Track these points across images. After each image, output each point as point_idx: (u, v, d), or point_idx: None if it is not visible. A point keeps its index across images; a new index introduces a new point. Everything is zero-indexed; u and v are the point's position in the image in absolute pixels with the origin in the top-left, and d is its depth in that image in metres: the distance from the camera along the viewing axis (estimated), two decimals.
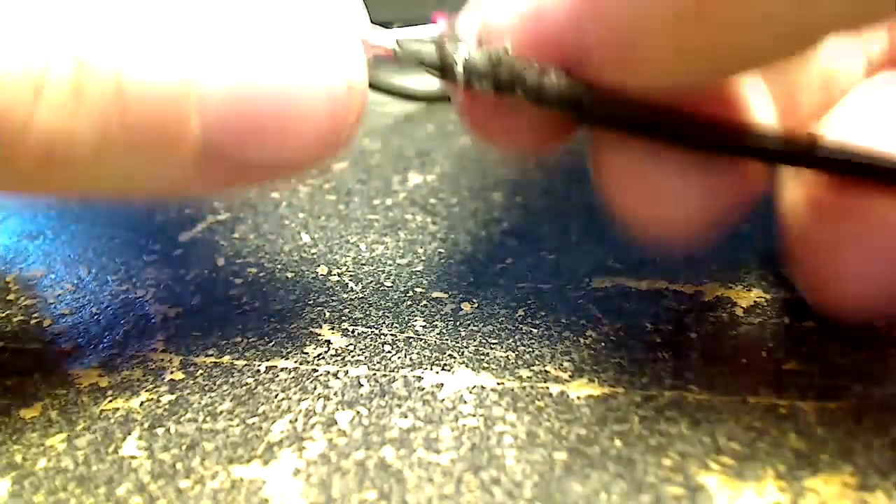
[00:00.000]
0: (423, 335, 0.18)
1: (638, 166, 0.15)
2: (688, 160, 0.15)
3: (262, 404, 0.15)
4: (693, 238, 0.16)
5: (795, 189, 0.16)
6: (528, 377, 0.16)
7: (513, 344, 0.17)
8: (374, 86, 0.37)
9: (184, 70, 0.13)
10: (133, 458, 0.14)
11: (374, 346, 0.17)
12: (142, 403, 0.16)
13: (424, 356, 0.17)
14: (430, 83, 0.42)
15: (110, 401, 0.16)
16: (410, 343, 0.17)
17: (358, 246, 0.22)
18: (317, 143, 0.15)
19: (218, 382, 0.16)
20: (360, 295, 0.20)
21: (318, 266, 0.21)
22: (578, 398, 0.15)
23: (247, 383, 0.16)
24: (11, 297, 0.20)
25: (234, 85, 0.14)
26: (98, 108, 0.13)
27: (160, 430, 0.15)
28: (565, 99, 0.15)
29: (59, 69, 0.13)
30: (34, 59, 0.12)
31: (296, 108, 0.14)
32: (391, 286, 0.20)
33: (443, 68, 0.15)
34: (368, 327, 0.18)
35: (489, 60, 0.15)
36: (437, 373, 0.16)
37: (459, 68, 0.15)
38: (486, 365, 0.17)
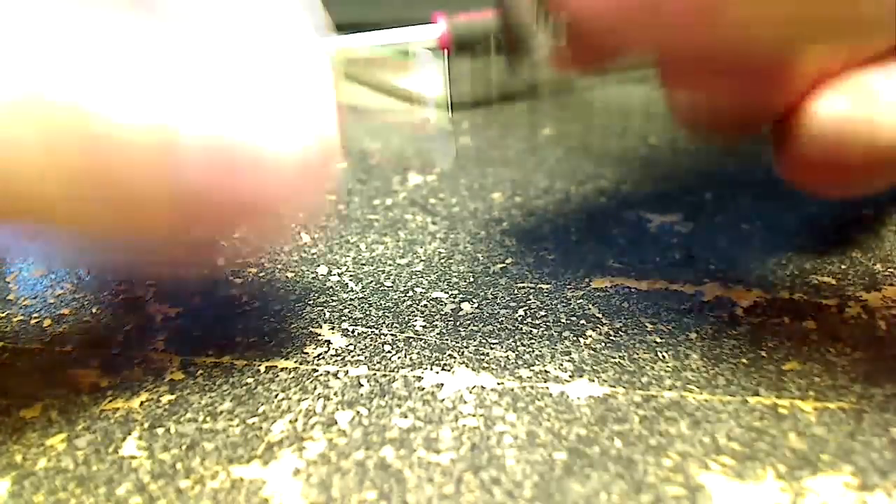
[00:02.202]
0: (423, 335, 0.18)
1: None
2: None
3: (262, 404, 0.15)
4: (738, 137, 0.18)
5: None
6: (528, 377, 0.16)
7: (513, 344, 0.17)
8: (383, 90, 0.37)
9: (161, 120, 0.13)
10: (133, 458, 0.14)
11: (374, 346, 0.17)
12: (142, 403, 0.16)
13: (424, 356, 0.17)
14: (440, 89, 0.42)
15: (110, 401, 0.16)
16: (410, 343, 0.17)
17: (358, 246, 0.22)
18: (287, 200, 0.15)
19: (218, 382, 0.16)
20: (360, 295, 0.20)
21: (318, 266, 0.21)
22: (578, 398, 0.15)
23: (247, 383, 0.16)
24: (11, 297, 0.20)
25: (209, 139, 0.14)
26: (66, 149, 0.13)
27: (160, 430, 0.15)
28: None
29: (29, 105, 0.12)
30: (2, 93, 0.12)
31: (269, 165, 0.14)
32: (391, 286, 0.20)
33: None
34: (368, 327, 0.18)
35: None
36: (437, 373, 0.16)
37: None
38: (486, 365, 0.17)
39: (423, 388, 0.16)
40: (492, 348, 0.17)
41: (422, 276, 0.20)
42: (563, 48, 0.16)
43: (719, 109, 0.18)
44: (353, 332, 0.18)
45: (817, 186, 0.18)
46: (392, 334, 0.18)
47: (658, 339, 0.17)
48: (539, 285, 0.20)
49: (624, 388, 0.16)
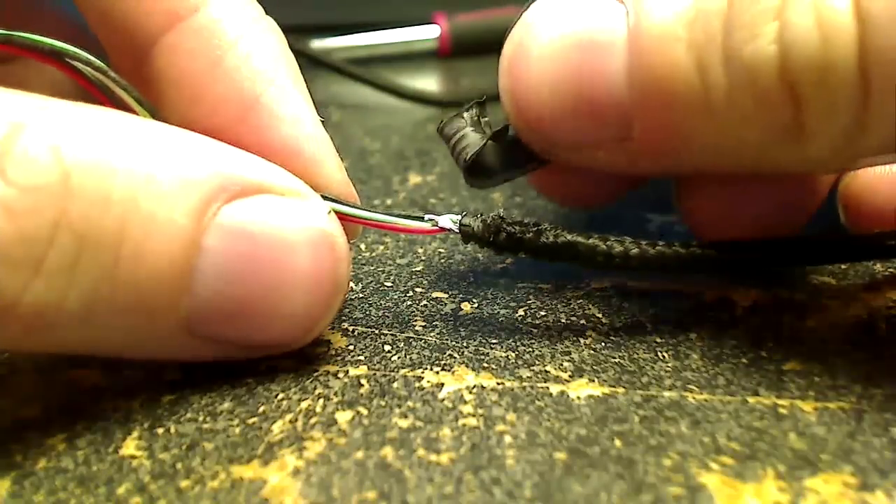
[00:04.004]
0: (423, 335, 0.18)
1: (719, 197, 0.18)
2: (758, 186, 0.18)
3: (262, 404, 0.15)
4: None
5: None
6: (528, 377, 0.16)
7: (513, 344, 0.17)
8: (386, 89, 0.37)
9: (181, 252, 0.14)
10: (133, 457, 0.14)
11: (374, 346, 0.17)
12: (142, 403, 0.16)
13: (424, 356, 0.17)
14: (443, 89, 0.42)
15: (110, 401, 0.16)
16: (410, 343, 0.17)
17: (358, 246, 0.22)
18: (298, 326, 0.16)
19: (218, 382, 0.16)
20: (360, 295, 0.20)
21: None
22: (578, 398, 0.15)
23: (247, 383, 0.16)
24: None
25: (225, 272, 0.14)
26: (91, 281, 0.13)
27: (160, 430, 0.15)
28: (562, 253, 0.17)
29: (61, 243, 0.13)
30: (37, 233, 0.12)
31: (280, 294, 0.15)
32: (391, 286, 0.20)
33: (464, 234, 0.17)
34: (368, 327, 0.18)
35: (486, 228, 0.17)
36: (437, 373, 0.16)
37: (457, 230, 0.17)
38: (486, 365, 0.16)
39: (423, 388, 0.16)
40: (492, 348, 0.17)
41: (422, 276, 0.20)
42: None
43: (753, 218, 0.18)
44: (353, 332, 0.18)
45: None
46: (392, 334, 0.18)
47: (658, 339, 0.17)
48: (539, 285, 0.20)
49: (624, 388, 0.16)
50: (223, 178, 0.14)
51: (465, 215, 0.17)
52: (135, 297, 0.14)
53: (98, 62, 0.15)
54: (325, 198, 0.16)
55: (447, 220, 0.17)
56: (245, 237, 0.14)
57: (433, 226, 0.17)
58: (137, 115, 0.16)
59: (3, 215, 0.12)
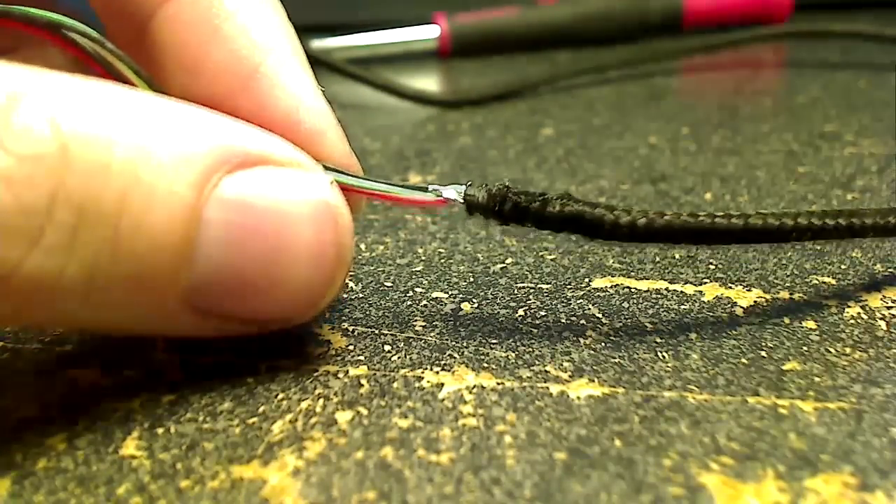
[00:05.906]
0: (423, 335, 0.18)
1: None
2: None
3: (262, 404, 0.15)
4: None
5: None
6: (528, 377, 0.16)
7: (513, 344, 0.17)
8: (386, 89, 0.37)
9: (182, 224, 0.14)
10: (133, 457, 0.14)
11: (374, 346, 0.17)
12: (142, 403, 0.16)
13: (424, 356, 0.17)
14: (443, 89, 0.42)
15: (110, 401, 0.16)
16: (410, 343, 0.17)
17: (358, 246, 0.22)
18: (302, 299, 0.15)
19: (218, 382, 0.16)
20: (360, 295, 0.20)
21: None
22: (578, 398, 0.15)
23: (247, 383, 0.16)
24: None
25: (226, 244, 0.14)
26: (91, 253, 0.13)
27: (160, 430, 0.15)
28: (568, 223, 0.16)
29: (60, 214, 0.12)
30: (35, 203, 0.12)
31: (283, 267, 0.15)
32: (391, 286, 0.20)
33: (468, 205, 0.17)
34: (368, 327, 0.18)
35: (491, 198, 0.16)
36: (437, 373, 0.16)
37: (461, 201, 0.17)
38: (486, 365, 0.17)
39: (423, 388, 0.16)
40: (492, 348, 0.17)
41: (422, 276, 0.20)
42: None
43: None
44: (353, 332, 0.18)
45: None
46: (392, 334, 0.18)
47: (658, 339, 0.17)
48: (539, 285, 0.20)
49: (624, 388, 0.16)
50: (224, 149, 0.14)
51: (470, 185, 0.17)
52: (135, 270, 0.13)
53: (95, 34, 0.15)
54: (327, 168, 0.16)
55: (451, 191, 0.17)
56: (246, 209, 0.14)
57: (437, 196, 0.17)
58: (136, 86, 0.15)
59: (1, 184, 0.12)
